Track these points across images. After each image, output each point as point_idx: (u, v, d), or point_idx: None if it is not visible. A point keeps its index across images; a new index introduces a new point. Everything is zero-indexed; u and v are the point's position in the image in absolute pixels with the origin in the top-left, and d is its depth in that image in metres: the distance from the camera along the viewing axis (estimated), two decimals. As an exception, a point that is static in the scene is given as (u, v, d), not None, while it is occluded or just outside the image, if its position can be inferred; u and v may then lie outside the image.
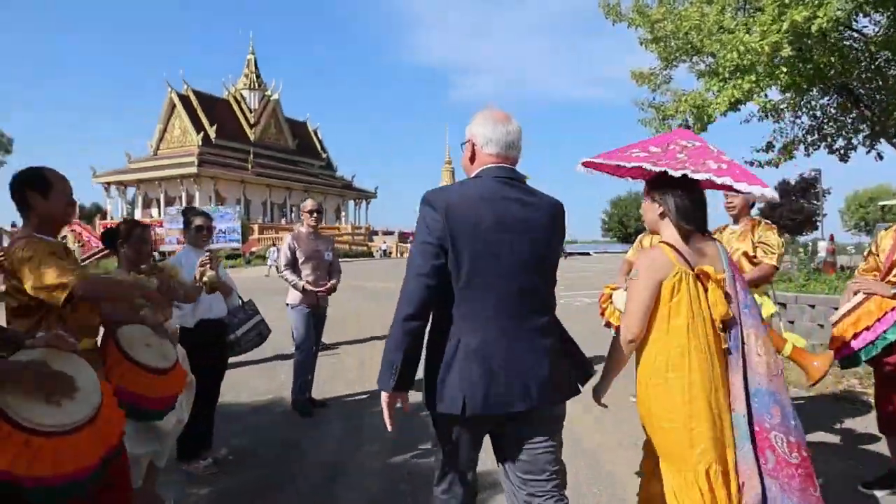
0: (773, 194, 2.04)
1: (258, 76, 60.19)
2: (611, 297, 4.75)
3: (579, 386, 2.08)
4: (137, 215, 50.56)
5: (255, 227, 46.81)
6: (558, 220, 2.03)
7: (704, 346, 1.97)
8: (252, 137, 56.69)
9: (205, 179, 50.14)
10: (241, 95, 58.72)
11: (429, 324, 1.93)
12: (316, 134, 66.66)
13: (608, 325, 4.80)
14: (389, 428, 1.91)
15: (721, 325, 2.01)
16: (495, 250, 1.88)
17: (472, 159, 2.05)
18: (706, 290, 2.01)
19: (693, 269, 2.02)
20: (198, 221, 3.91)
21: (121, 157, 54.37)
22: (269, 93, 59.75)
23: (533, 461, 1.99)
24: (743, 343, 2.03)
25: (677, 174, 2.03)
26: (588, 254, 36.84)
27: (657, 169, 2.07)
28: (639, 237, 5.05)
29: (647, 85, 8.62)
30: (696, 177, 2.01)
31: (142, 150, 55.93)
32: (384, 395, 1.90)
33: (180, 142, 53.35)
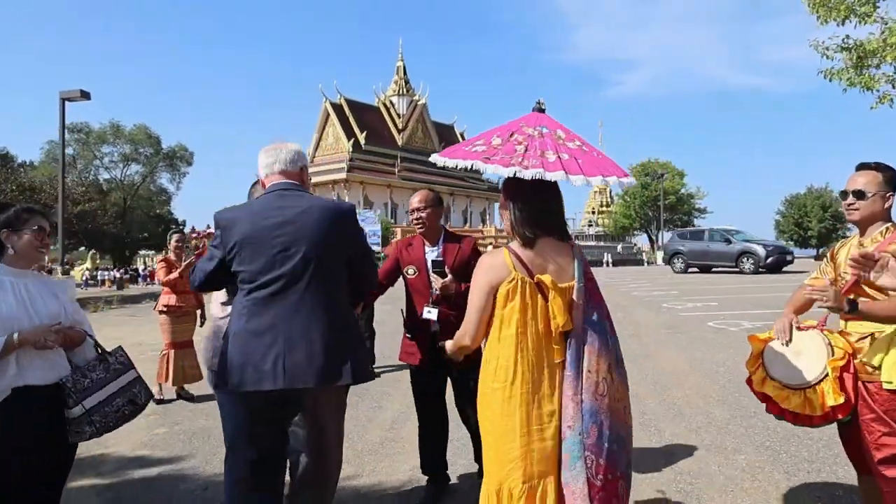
0: (627, 182, 2.01)
1: (407, 82, 61.39)
2: (762, 355, 2.62)
3: (350, 378, 2.27)
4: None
5: (399, 230, 47.26)
6: (329, 220, 2.30)
7: (533, 359, 1.95)
8: (399, 142, 57.80)
9: (354, 184, 51.90)
10: (391, 102, 60.21)
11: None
12: (462, 136, 66.38)
13: (763, 398, 2.64)
14: None
15: (558, 338, 1.96)
16: (268, 251, 2.23)
17: (264, 186, 2.46)
18: (546, 300, 1.95)
19: (533, 277, 1.96)
20: (35, 223, 2.42)
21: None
22: (416, 97, 60.71)
23: (306, 438, 2.42)
24: (581, 359, 1.96)
25: (506, 172, 1.93)
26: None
27: (488, 167, 1.95)
28: (829, 253, 2.80)
29: (834, 18, 5.82)
30: (524, 175, 1.89)
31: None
32: None
33: (333, 149, 55.78)
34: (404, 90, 60.73)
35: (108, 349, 2.59)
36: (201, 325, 5.91)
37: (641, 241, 63.09)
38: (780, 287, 15.16)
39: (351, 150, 52.98)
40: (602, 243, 53.15)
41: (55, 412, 2.33)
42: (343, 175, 50.90)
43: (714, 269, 22.63)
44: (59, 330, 2.33)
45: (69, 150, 49.01)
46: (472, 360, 3.11)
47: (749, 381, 2.72)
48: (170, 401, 5.69)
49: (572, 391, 1.92)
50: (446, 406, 3.35)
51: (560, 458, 1.93)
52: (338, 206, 2.38)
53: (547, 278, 1.94)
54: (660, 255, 43.02)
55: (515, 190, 2.02)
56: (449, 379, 3.27)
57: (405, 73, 61.78)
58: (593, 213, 69.38)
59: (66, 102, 15.33)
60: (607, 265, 40.56)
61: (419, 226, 3.25)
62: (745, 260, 20.74)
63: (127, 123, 50.78)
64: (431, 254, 3.22)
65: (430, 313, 3.10)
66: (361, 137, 54.30)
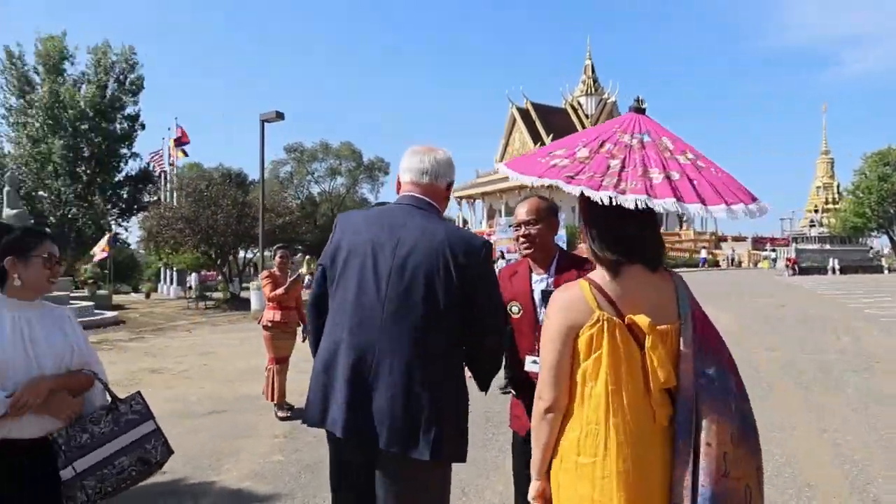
0: (757, 210, 1.57)
1: (595, 81, 59.44)
2: None
3: (427, 452, 1.76)
4: (484, 226, 54.76)
5: (586, 234, 45.74)
6: (450, 254, 1.85)
7: (631, 424, 1.50)
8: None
9: (541, 189, 51.05)
10: (578, 102, 58.70)
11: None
12: (657, 134, 62.47)
13: None
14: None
15: (660, 397, 1.53)
16: (367, 271, 1.88)
17: (398, 189, 2.11)
18: (642, 348, 1.53)
19: (623, 317, 1.54)
20: (44, 249, 2.08)
21: (472, 172, 59.63)
22: (605, 96, 58.44)
23: None
24: (697, 426, 1.51)
25: (597, 196, 1.52)
26: None
27: (571, 188, 1.56)
28: None
29: None
30: (624, 202, 1.49)
31: (489, 165, 60.68)
32: None
33: (519, 154, 55.81)
34: (592, 89, 58.86)
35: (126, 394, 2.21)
36: (303, 341, 5.68)
37: (879, 243, 53.23)
38: None
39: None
40: (827, 246, 45.93)
41: (45, 471, 1.98)
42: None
43: None
44: (37, 385, 1.95)
45: (287, 168, 55.52)
46: None
47: None
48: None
49: (682, 469, 1.50)
50: None
51: None
52: (468, 241, 1.91)
53: (642, 319, 1.52)
54: (905, 260, 35.75)
55: (594, 204, 1.58)
56: None
57: (593, 71, 59.90)
58: (816, 211, 60.43)
59: (266, 123, 16.97)
60: (833, 272, 34.72)
61: (526, 245, 2.47)
62: None
63: (333, 141, 55.94)
64: (540, 283, 2.42)
65: (535, 364, 2.28)
66: (548, 140, 53.63)
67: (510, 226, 2.93)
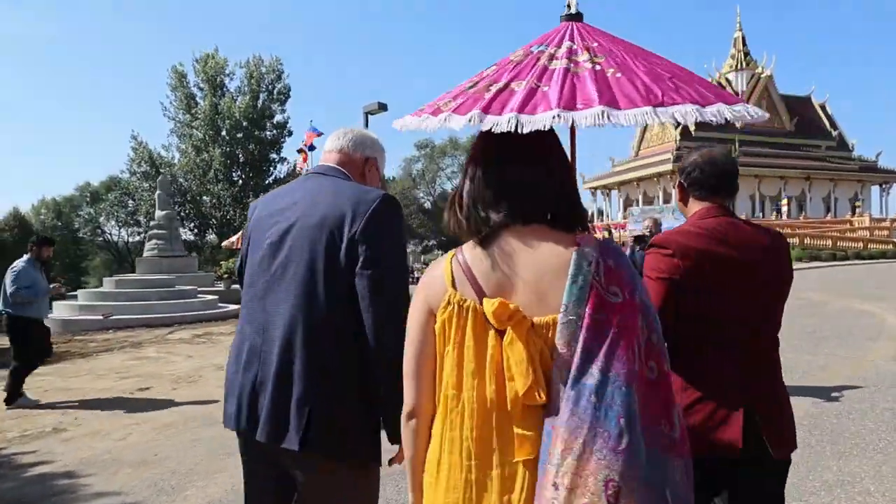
0: (715, 112, 1.35)
1: (746, 54, 53.76)
2: None
3: (295, 442, 1.58)
4: (619, 217, 52.05)
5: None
6: (335, 210, 1.67)
7: (471, 446, 1.19)
8: (738, 124, 50.72)
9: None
10: (727, 79, 53.47)
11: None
12: (823, 109, 55.09)
13: None
14: None
15: (522, 415, 1.17)
16: (262, 243, 1.77)
17: None
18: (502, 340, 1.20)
19: (481, 298, 1.21)
20: None
21: (607, 162, 56.97)
22: (759, 70, 52.62)
23: None
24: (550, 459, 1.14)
25: (434, 124, 1.37)
26: None
27: (409, 125, 1.45)
28: None
29: None
30: (451, 124, 1.34)
31: (625, 153, 57.55)
32: None
33: (659, 139, 52.38)
34: (743, 64, 53.25)
35: None
36: None
37: None
38: None
39: (679, 139, 48.84)
40: None
41: None
42: (669, 167, 47.20)
43: None
44: None
45: (419, 165, 56.78)
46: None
47: None
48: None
49: None
50: None
51: None
52: (357, 194, 1.72)
53: (490, 303, 1.18)
54: None
55: (475, 151, 1.34)
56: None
57: (744, 44, 54.21)
58: None
59: (369, 116, 17.01)
60: None
61: None
62: None
63: (461, 136, 56.31)
64: None
65: None
66: (691, 124, 49.62)
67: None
